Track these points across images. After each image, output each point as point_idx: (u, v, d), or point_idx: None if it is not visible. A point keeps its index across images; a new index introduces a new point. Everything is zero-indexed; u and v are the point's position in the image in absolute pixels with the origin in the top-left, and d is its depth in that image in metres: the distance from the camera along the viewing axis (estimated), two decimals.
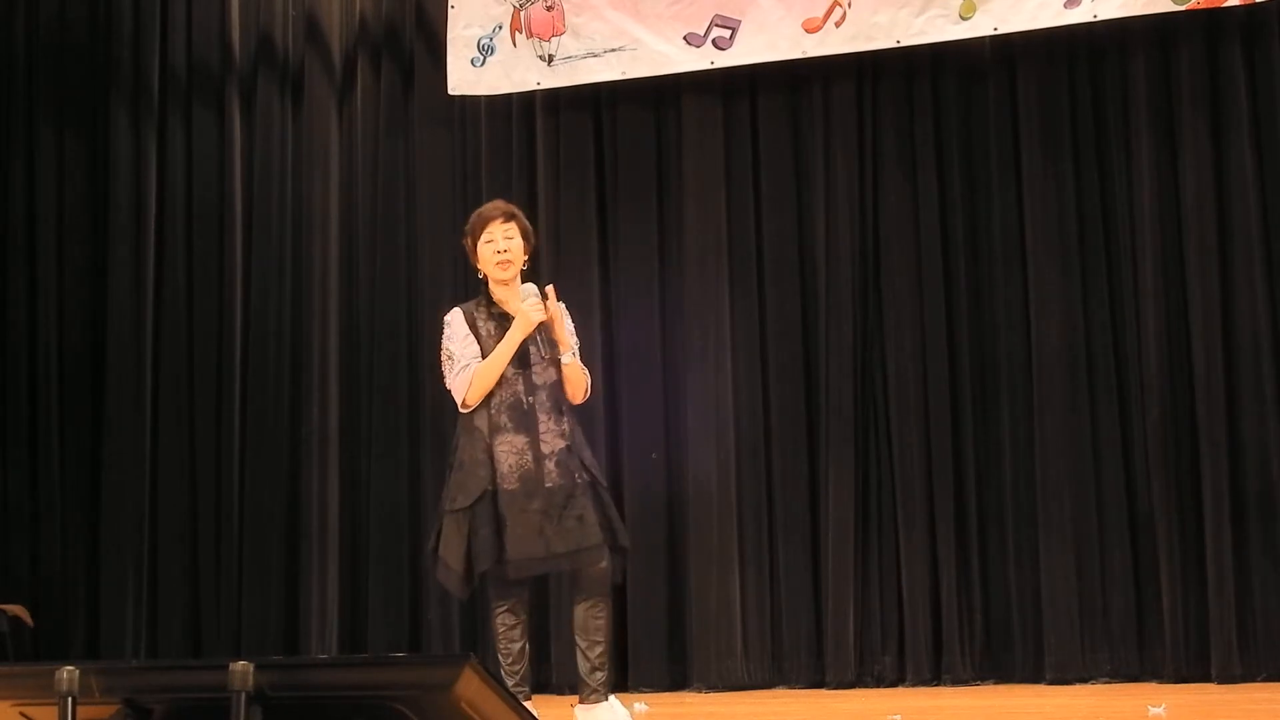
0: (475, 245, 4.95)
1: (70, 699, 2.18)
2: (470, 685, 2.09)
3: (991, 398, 6.37)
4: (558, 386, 4.91)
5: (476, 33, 6.88)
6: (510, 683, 4.74)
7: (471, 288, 5.66)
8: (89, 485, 7.27)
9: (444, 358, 4.92)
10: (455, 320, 4.93)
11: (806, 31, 6.51)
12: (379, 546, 6.90)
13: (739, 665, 6.43)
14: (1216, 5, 6.06)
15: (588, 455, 4.94)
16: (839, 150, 6.60)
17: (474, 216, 5.02)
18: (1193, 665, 5.97)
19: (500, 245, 4.90)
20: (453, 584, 4.84)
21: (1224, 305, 6.11)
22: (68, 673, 2.18)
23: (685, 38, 6.65)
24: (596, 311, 6.67)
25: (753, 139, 6.74)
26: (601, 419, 6.53)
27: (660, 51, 6.69)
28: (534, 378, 4.86)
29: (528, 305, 4.83)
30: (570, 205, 6.89)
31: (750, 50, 6.59)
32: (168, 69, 7.42)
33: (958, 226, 6.47)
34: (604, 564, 4.84)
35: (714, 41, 6.63)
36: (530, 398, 4.85)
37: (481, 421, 4.84)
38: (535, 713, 3.74)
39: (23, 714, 2.34)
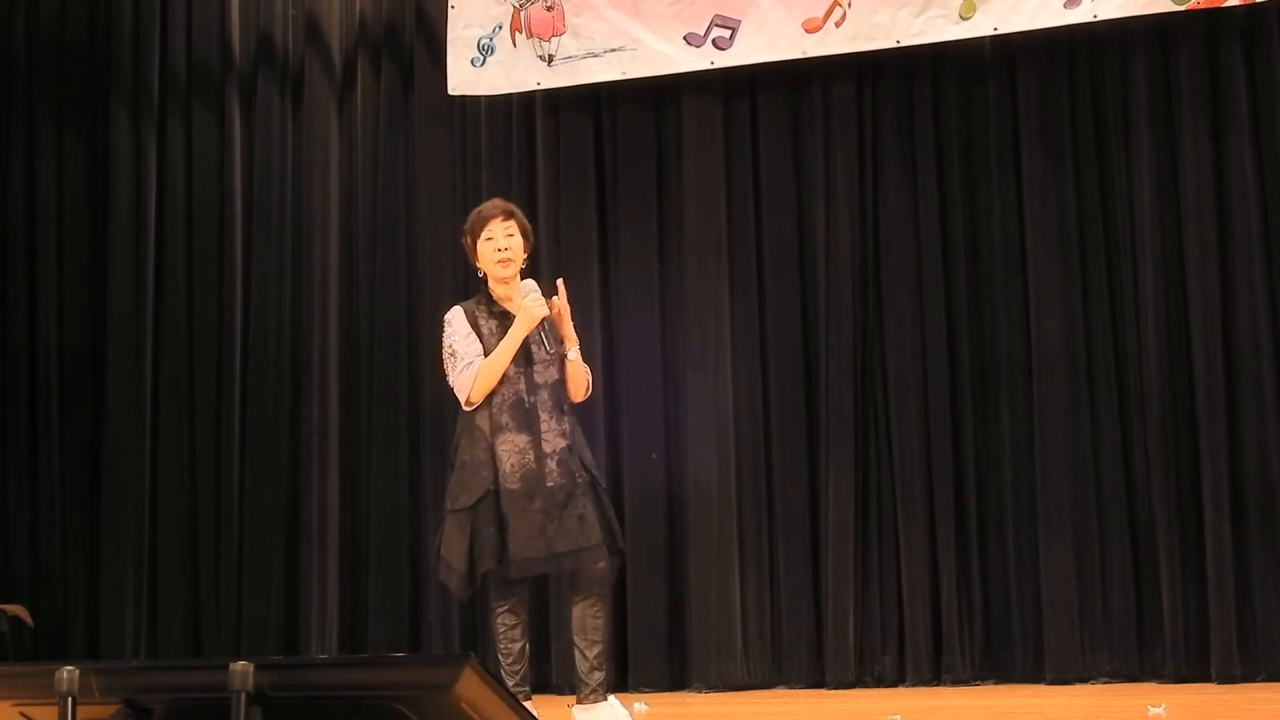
0: (475, 244, 4.96)
1: (70, 699, 2.18)
2: (470, 685, 2.09)
3: (991, 398, 6.37)
4: (559, 385, 4.91)
5: (476, 33, 6.88)
6: (510, 683, 4.74)
7: (472, 287, 5.66)
8: (89, 485, 7.27)
9: (446, 355, 4.92)
10: (456, 318, 4.94)
11: (806, 31, 6.51)
12: (379, 546, 6.90)
13: (739, 665, 6.43)
14: (1216, 5, 6.06)
15: (588, 455, 4.96)
16: (839, 150, 6.59)
17: (473, 215, 5.03)
18: (1193, 665, 5.97)
19: (501, 243, 4.91)
20: (454, 584, 4.85)
21: (1224, 305, 6.11)
22: (68, 673, 2.18)
23: (685, 38, 6.65)
24: (596, 311, 6.67)
25: (753, 139, 6.74)
26: (601, 419, 6.53)
27: (660, 51, 6.68)
28: (536, 377, 4.87)
29: (529, 301, 4.83)
30: (570, 205, 6.89)
31: (750, 50, 6.59)
32: (168, 69, 7.42)
33: (958, 227, 6.47)
34: (603, 564, 4.85)
35: (714, 41, 6.63)
36: (532, 397, 4.85)
37: (483, 421, 4.85)
38: (535, 713, 3.74)
39: (23, 714, 2.33)
